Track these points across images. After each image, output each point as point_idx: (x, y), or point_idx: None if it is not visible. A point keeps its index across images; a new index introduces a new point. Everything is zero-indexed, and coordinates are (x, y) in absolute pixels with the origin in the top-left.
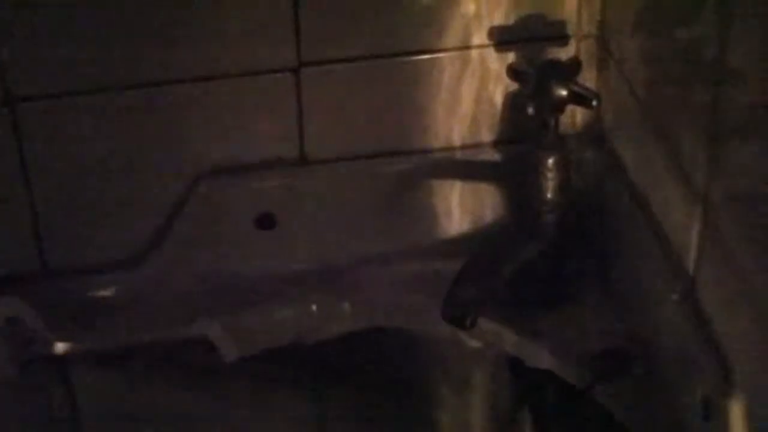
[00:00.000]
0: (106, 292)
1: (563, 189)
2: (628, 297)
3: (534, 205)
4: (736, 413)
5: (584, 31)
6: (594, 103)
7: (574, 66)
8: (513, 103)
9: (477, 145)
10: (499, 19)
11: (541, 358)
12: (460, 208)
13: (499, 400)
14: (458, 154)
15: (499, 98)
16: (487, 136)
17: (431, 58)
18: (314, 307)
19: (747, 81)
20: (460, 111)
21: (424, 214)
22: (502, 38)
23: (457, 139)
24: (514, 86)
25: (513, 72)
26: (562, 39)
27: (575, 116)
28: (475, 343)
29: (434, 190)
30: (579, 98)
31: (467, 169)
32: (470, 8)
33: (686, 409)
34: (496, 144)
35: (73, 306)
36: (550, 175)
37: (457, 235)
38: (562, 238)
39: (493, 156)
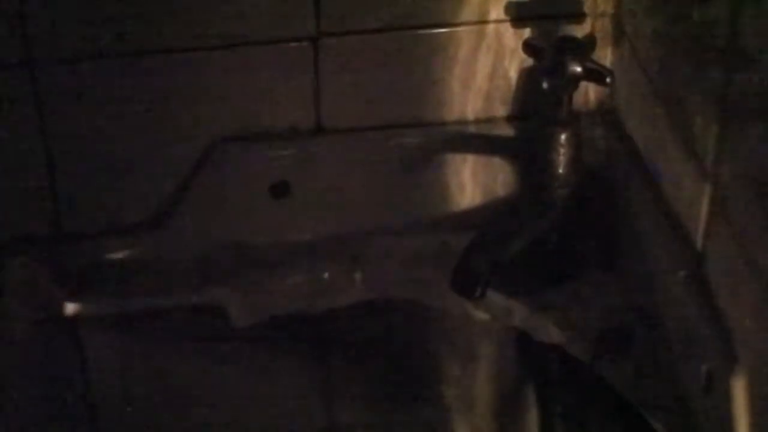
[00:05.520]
0: (119, 256)
1: (574, 165)
2: (636, 273)
3: (545, 180)
4: (739, 388)
5: (600, 9)
6: (608, 80)
7: (589, 43)
8: (527, 78)
9: (490, 120)
10: None
11: (549, 333)
12: (473, 182)
13: (506, 373)
14: (472, 128)
15: (513, 73)
16: (500, 110)
17: (448, 32)
18: (326, 276)
19: (758, 62)
20: (475, 85)
21: (437, 187)
22: (518, 14)
23: (471, 113)
24: (529, 62)
25: (529, 47)
26: (578, 16)
27: (588, 93)
28: (483, 316)
29: (447, 163)
30: (593, 75)
31: (480, 143)
32: None
33: (690, 383)
34: (510, 119)
35: (86, 268)
36: (562, 150)
37: (469, 208)
38: (572, 213)
39: (507, 130)
